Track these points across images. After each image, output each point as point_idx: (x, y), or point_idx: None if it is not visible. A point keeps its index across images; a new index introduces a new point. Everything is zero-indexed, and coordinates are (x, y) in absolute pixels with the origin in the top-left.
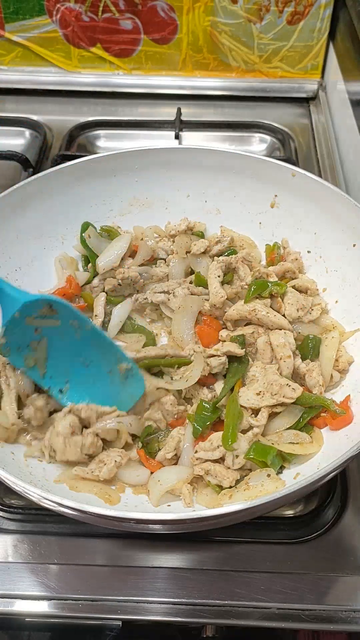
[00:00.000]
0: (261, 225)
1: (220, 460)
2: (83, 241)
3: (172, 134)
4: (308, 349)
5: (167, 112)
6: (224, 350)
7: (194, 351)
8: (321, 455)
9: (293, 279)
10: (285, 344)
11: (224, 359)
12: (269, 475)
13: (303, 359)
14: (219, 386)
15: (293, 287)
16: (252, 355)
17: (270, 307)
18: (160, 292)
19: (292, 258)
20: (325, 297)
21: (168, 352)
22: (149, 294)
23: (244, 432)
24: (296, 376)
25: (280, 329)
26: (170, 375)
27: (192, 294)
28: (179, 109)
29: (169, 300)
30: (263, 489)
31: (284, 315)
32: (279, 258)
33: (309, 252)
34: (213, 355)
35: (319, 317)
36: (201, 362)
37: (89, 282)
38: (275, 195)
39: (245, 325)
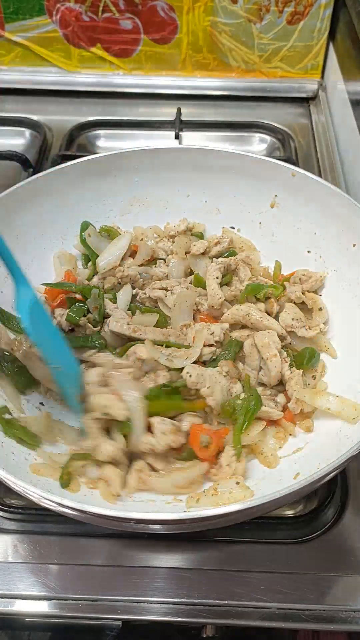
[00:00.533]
0: (261, 225)
1: None
2: (83, 240)
3: (172, 134)
4: (303, 359)
5: (167, 112)
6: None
7: (195, 330)
8: (321, 455)
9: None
10: (269, 343)
11: (213, 348)
12: (237, 483)
13: (298, 368)
14: None
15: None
16: (241, 359)
17: (265, 311)
18: (159, 289)
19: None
20: (324, 297)
21: (169, 338)
22: (148, 290)
23: None
24: (284, 382)
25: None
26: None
27: None
28: (178, 109)
29: (165, 296)
30: (231, 496)
31: (276, 318)
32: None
33: (309, 252)
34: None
35: (313, 337)
36: (201, 339)
37: (89, 279)
38: (275, 195)
39: (241, 328)
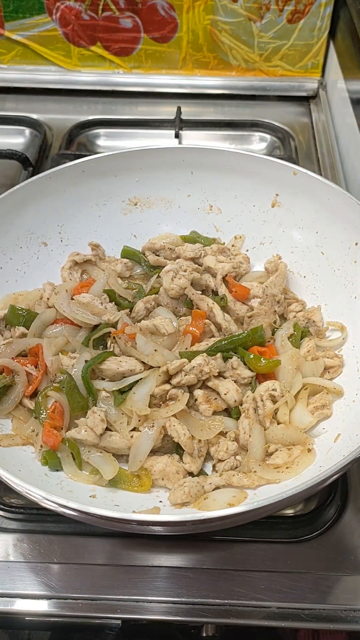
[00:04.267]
0: (262, 225)
1: None
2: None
3: (172, 132)
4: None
5: (167, 110)
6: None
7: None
8: (324, 457)
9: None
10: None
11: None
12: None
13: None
14: None
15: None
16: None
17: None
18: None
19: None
20: (324, 297)
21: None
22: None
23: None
24: None
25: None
26: None
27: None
28: (179, 108)
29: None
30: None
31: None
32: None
33: (310, 251)
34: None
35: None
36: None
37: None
38: (276, 194)
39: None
